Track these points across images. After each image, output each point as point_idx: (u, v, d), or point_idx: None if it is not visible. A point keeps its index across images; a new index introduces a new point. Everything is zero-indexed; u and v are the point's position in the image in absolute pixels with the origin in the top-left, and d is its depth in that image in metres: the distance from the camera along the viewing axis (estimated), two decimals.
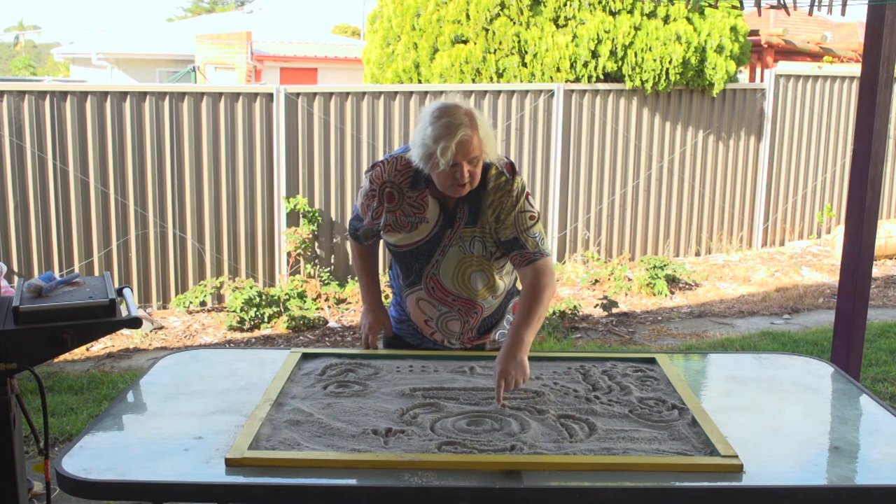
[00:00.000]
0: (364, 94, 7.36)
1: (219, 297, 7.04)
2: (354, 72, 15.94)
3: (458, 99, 2.55)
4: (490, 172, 2.59)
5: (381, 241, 2.87)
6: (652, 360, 2.73)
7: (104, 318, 2.47)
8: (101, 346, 6.03)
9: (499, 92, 7.80)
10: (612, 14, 8.11)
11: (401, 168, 2.64)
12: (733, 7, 8.34)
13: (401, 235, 2.67)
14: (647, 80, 8.19)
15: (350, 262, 7.51)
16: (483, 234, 2.62)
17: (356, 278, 7.36)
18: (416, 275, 2.71)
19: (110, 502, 2.99)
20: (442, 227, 2.63)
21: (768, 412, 2.41)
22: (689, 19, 8.39)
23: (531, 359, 2.73)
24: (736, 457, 2.03)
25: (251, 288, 6.66)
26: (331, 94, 7.25)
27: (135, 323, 2.52)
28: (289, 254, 7.18)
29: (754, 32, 11.33)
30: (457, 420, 2.24)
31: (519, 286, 2.86)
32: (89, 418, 4.54)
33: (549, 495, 1.95)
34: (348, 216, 7.48)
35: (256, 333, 6.42)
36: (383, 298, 3.05)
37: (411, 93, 7.52)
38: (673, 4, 7.99)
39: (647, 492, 1.95)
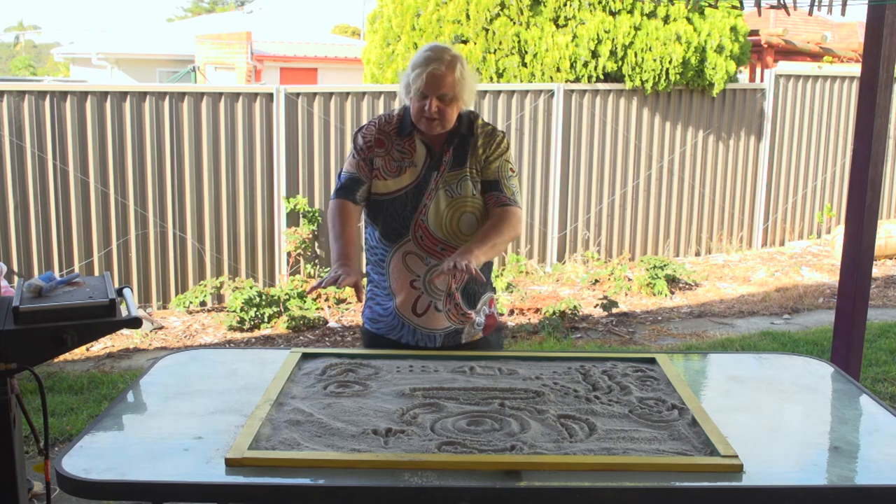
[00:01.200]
0: (364, 94, 7.36)
1: (219, 297, 7.05)
2: (354, 72, 15.93)
3: (452, 46, 2.68)
4: (478, 121, 2.78)
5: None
6: (652, 360, 2.73)
7: (104, 318, 2.47)
8: (101, 346, 6.03)
9: (499, 92, 7.80)
10: (612, 14, 8.11)
11: (388, 120, 2.81)
12: (733, 7, 8.35)
13: (389, 182, 2.74)
14: (647, 80, 8.19)
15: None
16: (471, 174, 2.74)
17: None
18: (404, 225, 2.73)
19: (110, 502, 2.99)
20: (429, 170, 2.72)
21: (768, 412, 2.41)
22: (689, 19, 8.39)
23: (531, 359, 2.74)
24: (736, 457, 2.03)
25: (251, 288, 6.66)
26: (331, 94, 7.26)
27: (135, 323, 2.52)
28: (289, 254, 7.19)
29: (754, 32, 11.33)
30: (457, 420, 2.24)
31: (496, 283, 2.90)
32: (89, 418, 4.54)
33: (549, 495, 1.95)
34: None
35: (256, 333, 6.42)
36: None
37: None
38: (673, 4, 7.99)
39: (647, 492, 1.95)
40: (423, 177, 2.72)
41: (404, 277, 2.78)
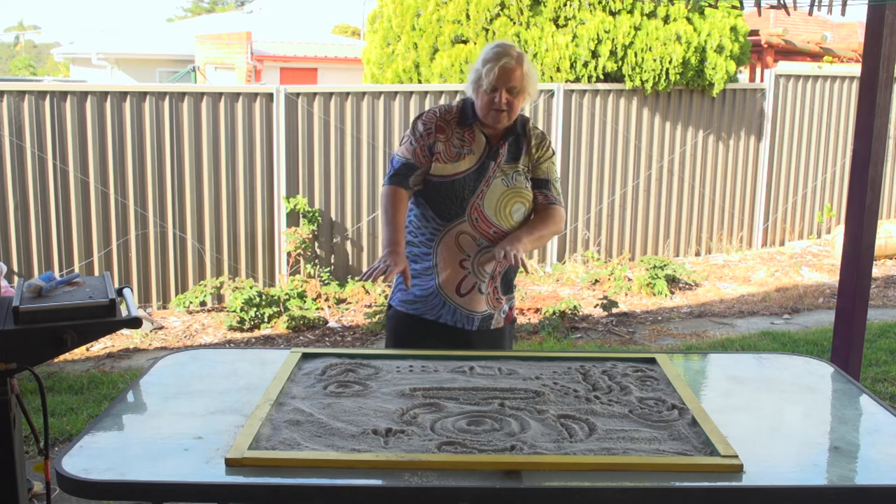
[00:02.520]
0: (364, 94, 7.36)
1: (219, 297, 7.05)
2: (354, 72, 15.94)
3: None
4: (529, 125, 2.98)
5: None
6: (652, 360, 2.73)
7: (104, 318, 2.47)
8: (101, 346, 6.03)
9: None
10: (612, 14, 8.11)
11: (447, 110, 2.96)
12: (733, 7, 8.34)
13: (449, 165, 2.88)
14: (647, 80, 8.19)
15: (350, 263, 7.52)
16: (524, 170, 2.94)
17: (355, 277, 7.36)
18: (461, 206, 2.86)
19: (110, 502, 2.99)
20: (487, 159, 2.88)
21: (768, 412, 2.41)
22: (689, 19, 8.39)
23: (531, 359, 2.74)
24: (736, 457, 2.03)
25: (251, 288, 6.66)
26: (331, 94, 7.26)
27: (135, 323, 2.52)
28: (289, 254, 7.19)
29: (754, 32, 11.33)
30: (457, 420, 2.24)
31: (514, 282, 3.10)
32: (89, 418, 4.54)
33: (549, 495, 1.95)
34: (348, 216, 7.52)
35: (256, 333, 6.42)
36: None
37: (411, 93, 7.52)
38: (673, 4, 7.99)
39: (647, 492, 1.95)
40: (483, 164, 2.88)
41: (454, 257, 2.88)
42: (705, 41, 8.34)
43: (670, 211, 8.85)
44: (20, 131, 6.35)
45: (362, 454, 2.03)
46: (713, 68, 8.45)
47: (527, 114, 7.87)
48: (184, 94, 6.83)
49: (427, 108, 7.51)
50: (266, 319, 6.53)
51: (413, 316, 2.95)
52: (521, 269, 2.82)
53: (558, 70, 8.06)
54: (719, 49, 8.48)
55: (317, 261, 7.34)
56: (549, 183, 2.98)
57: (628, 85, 8.25)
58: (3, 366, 2.39)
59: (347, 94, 7.32)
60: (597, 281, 7.80)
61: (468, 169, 2.87)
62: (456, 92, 7.64)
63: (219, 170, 6.97)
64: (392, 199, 2.89)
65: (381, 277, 2.75)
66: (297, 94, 7.13)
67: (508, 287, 3.00)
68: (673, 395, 2.43)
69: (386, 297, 7.05)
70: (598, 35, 7.97)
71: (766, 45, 12.43)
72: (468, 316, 2.91)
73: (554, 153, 3.03)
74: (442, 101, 7.59)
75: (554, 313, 6.60)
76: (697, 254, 9.08)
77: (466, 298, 2.90)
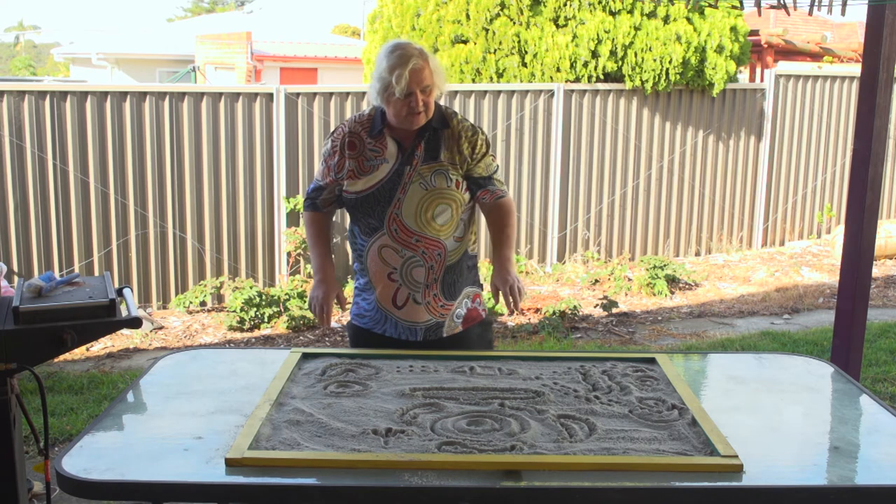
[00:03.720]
0: (364, 94, 7.36)
1: (219, 297, 7.05)
2: (354, 72, 15.94)
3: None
4: (457, 117, 2.88)
5: (334, 216, 3.05)
6: (652, 360, 2.73)
7: (104, 318, 2.47)
8: (101, 346, 6.03)
9: (499, 92, 7.80)
10: (612, 14, 8.11)
11: (359, 120, 2.88)
12: (733, 7, 8.34)
13: (362, 180, 2.81)
14: (647, 80, 8.19)
15: (350, 262, 7.52)
16: (447, 166, 2.81)
17: (352, 277, 7.39)
18: (378, 219, 2.80)
19: (110, 502, 2.99)
20: (401, 165, 2.79)
21: (768, 412, 2.41)
22: (689, 19, 8.39)
23: (531, 359, 2.74)
24: (736, 457, 2.03)
25: (251, 288, 6.66)
26: (331, 94, 7.26)
27: (135, 323, 2.52)
28: (289, 254, 7.19)
29: (754, 32, 11.33)
30: (457, 420, 2.24)
31: (476, 251, 3.02)
32: (89, 418, 4.54)
33: (549, 495, 1.95)
34: (348, 217, 7.49)
35: (256, 333, 6.42)
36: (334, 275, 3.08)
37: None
38: (673, 4, 7.99)
39: (647, 492, 1.95)
40: (396, 171, 2.79)
41: (382, 270, 2.84)
42: (705, 41, 8.34)
43: (670, 211, 8.85)
44: (20, 131, 6.35)
45: (362, 454, 2.03)
46: (713, 68, 8.45)
47: (526, 115, 7.91)
48: (184, 94, 6.83)
49: None
50: (266, 319, 6.53)
51: (365, 329, 2.94)
52: (511, 308, 2.77)
53: (558, 70, 8.06)
54: (719, 49, 8.48)
55: None
56: (490, 179, 2.88)
57: (628, 85, 8.25)
58: (3, 366, 2.39)
59: (347, 94, 7.32)
60: (597, 281, 7.80)
61: (381, 179, 2.79)
62: (456, 92, 7.64)
63: (219, 170, 6.97)
64: (309, 225, 3.03)
65: (326, 312, 2.91)
66: (297, 94, 7.13)
67: (452, 292, 2.86)
68: (673, 395, 2.43)
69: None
70: (598, 35, 7.97)
71: (766, 45, 12.43)
72: (410, 328, 2.85)
73: (489, 145, 2.90)
74: (441, 102, 7.59)
75: (554, 313, 6.60)
76: (697, 254, 9.08)
77: (404, 310, 2.84)
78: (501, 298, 2.77)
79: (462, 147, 2.82)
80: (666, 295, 7.45)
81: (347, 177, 2.83)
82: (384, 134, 2.82)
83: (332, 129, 7.19)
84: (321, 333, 6.43)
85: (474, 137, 2.86)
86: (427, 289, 2.82)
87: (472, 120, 7.66)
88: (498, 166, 2.94)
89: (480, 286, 3.02)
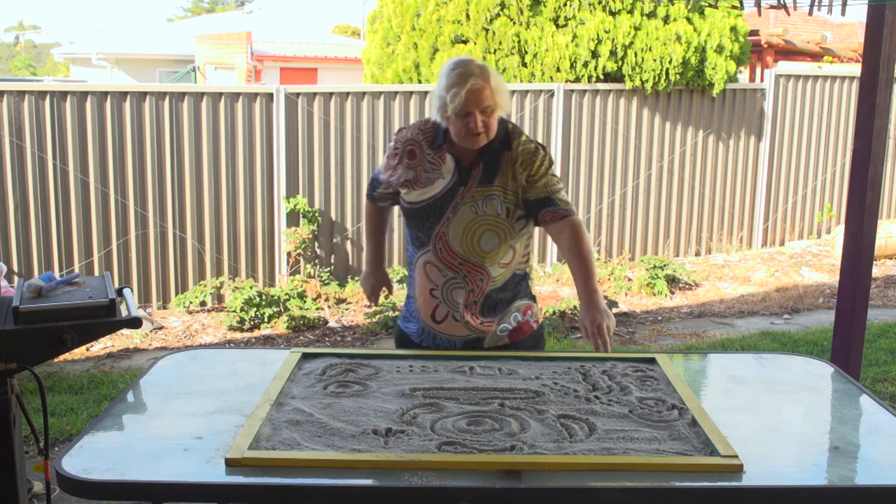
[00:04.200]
0: (364, 94, 7.36)
1: (219, 297, 7.05)
2: (354, 72, 15.93)
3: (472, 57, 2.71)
4: (521, 138, 2.73)
5: (395, 208, 3.00)
6: (652, 360, 2.73)
7: (104, 318, 2.47)
8: (101, 346, 6.03)
9: None
10: (612, 14, 8.11)
11: (423, 128, 2.79)
12: (733, 7, 8.34)
13: (417, 192, 2.76)
14: (647, 80, 8.19)
15: (350, 263, 7.52)
16: (502, 193, 2.69)
17: (356, 277, 7.36)
18: (426, 235, 2.75)
19: (110, 502, 2.99)
20: (455, 184, 2.71)
21: (768, 412, 2.41)
22: (689, 19, 8.39)
23: (531, 359, 2.73)
24: (736, 457, 2.03)
25: (251, 288, 6.66)
26: (331, 94, 7.26)
27: (135, 323, 2.52)
28: (289, 254, 7.19)
29: (754, 32, 11.33)
30: (457, 420, 2.24)
31: (528, 269, 2.91)
32: (89, 418, 4.54)
33: (549, 495, 1.95)
34: (349, 216, 7.52)
35: (256, 333, 6.42)
36: (386, 267, 3.19)
37: (411, 93, 7.52)
38: (673, 4, 7.99)
39: (647, 492, 1.95)
40: (450, 189, 2.71)
41: (425, 284, 2.81)
42: (705, 41, 8.34)
43: (670, 211, 8.84)
44: (20, 131, 6.35)
45: (362, 454, 2.03)
46: (713, 68, 8.45)
47: (526, 114, 7.90)
48: (184, 94, 6.83)
49: (425, 107, 7.52)
50: (266, 319, 6.53)
51: (406, 334, 2.94)
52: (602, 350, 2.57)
53: (558, 70, 8.06)
54: (719, 49, 8.48)
55: (317, 261, 7.34)
56: (550, 199, 2.69)
57: (628, 85, 8.25)
58: (3, 366, 2.39)
59: (347, 94, 7.32)
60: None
61: (435, 195, 2.72)
62: None
63: (219, 170, 6.97)
64: (367, 216, 3.09)
65: (374, 299, 3.16)
66: (297, 94, 7.13)
67: (494, 310, 2.80)
68: (673, 395, 2.43)
69: (386, 297, 7.04)
70: (598, 35, 7.97)
71: (766, 45, 12.43)
72: (448, 340, 2.82)
73: (551, 164, 2.74)
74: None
75: (554, 313, 6.60)
76: (697, 254, 9.08)
77: (443, 325, 2.81)
78: (591, 339, 2.62)
79: (518, 173, 2.69)
80: (666, 295, 7.45)
81: (403, 185, 2.78)
82: (444, 148, 2.74)
83: (332, 128, 7.21)
84: (321, 333, 6.43)
85: (532, 161, 2.70)
86: (466, 309, 2.77)
87: None
88: (561, 188, 2.74)
89: (533, 298, 2.92)
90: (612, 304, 6.94)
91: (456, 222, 2.70)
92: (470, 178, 2.70)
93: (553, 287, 7.72)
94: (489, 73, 2.61)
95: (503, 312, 2.82)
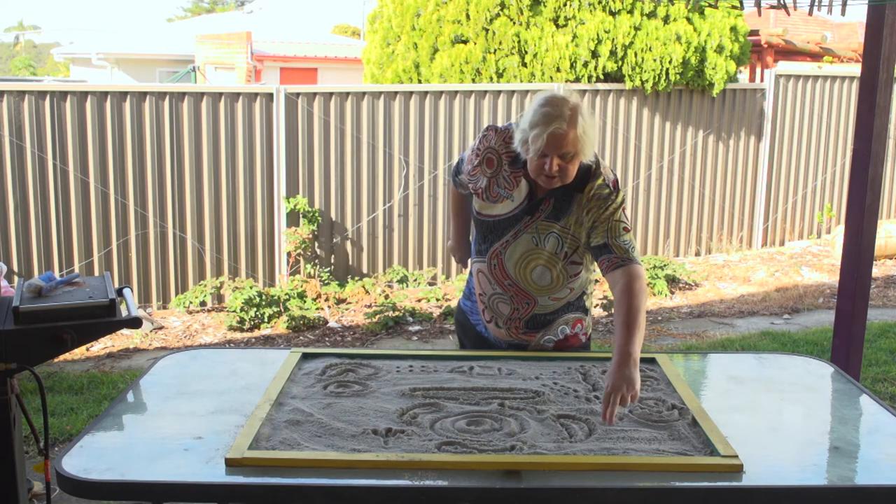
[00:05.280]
0: (364, 94, 7.36)
1: (219, 297, 7.05)
2: (354, 72, 15.94)
3: (570, 94, 2.52)
4: (596, 181, 2.59)
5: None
6: (652, 360, 2.73)
7: (104, 318, 2.47)
8: (101, 346, 6.03)
9: (499, 92, 7.80)
10: (612, 14, 8.11)
11: (506, 140, 2.67)
12: (733, 7, 8.34)
13: (485, 203, 2.73)
14: (647, 81, 8.19)
15: (350, 263, 7.53)
16: (563, 233, 2.62)
17: (356, 277, 7.34)
18: (486, 247, 2.75)
19: (110, 502, 2.99)
20: (522, 212, 2.65)
21: (768, 412, 2.41)
22: (689, 19, 8.39)
23: (531, 359, 2.73)
24: (736, 457, 2.03)
25: (251, 288, 6.66)
26: (331, 94, 7.25)
27: (135, 323, 2.52)
28: (289, 254, 7.19)
29: (754, 32, 11.33)
30: (457, 420, 2.24)
31: (588, 304, 2.84)
32: (89, 418, 4.54)
33: (549, 495, 1.95)
34: (348, 216, 7.52)
35: (256, 333, 6.42)
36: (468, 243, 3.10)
37: (411, 93, 7.52)
38: (673, 4, 7.99)
39: (647, 492, 1.95)
40: (516, 214, 2.66)
41: (476, 286, 2.84)
42: (705, 41, 8.34)
43: (670, 211, 8.85)
44: (20, 131, 6.35)
45: (362, 454, 2.03)
46: (713, 68, 8.45)
47: None
48: (184, 94, 6.83)
49: (425, 107, 7.51)
50: (266, 319, 6.53)
51: (464, 313, 2.98)
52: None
53: (558, 70, 8.05)
54: (719, 49, 8.48)
55: (317, 261, 7.34)
56: (608, 246, 2.55)
57: (628, 85, 8.25)
58: (3, 366, 2.39)
59: (347, 94, 7.32)
60: (597, 281, 7.77)
61: (501, 215, 2.68)
62: (456, 92, 7.63)
63: (219, 170, 6.97)
64: (453, 198, 3.05)
65: (468, 263, 2.97)
66: (297, 94, 7.13)
67: (539, 325, 2.76)
68: (673, 395, 2.43)
69: (386, 297, 7.05)
70: (598, 35, 7.97)
71: (766, 45, 12.43)
72: (495, 335, 2.85)
73: (618, 207, 2.58)
74: (442, 102, 7.59)
75: None
76: (697, 254, 9.08)
77: (489, 325, 2.84)
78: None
79: (583, 217, 2.59)
80: (666, 295, 7.45)
81: (475, 191, 2.75)
82: (522, 171, 2.63)
83: (332, 128, 7.21)
84: (321, 333, 6.43)
85: (600, 209, 2.57)
86: (510, 321, 2.77)
87: (471, 120, 7.69)
88: (624, 233, 2.58)
89: (586, 311, 2.83)
90: (613, 304, 6.93)
91: (514, 247, 2.67)
92: (539, 211, 2.63)
93: None
94: (577, 118, 2.47)
95: (549, 325, 2.79)
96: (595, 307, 7.02)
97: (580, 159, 2.53)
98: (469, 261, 2.93)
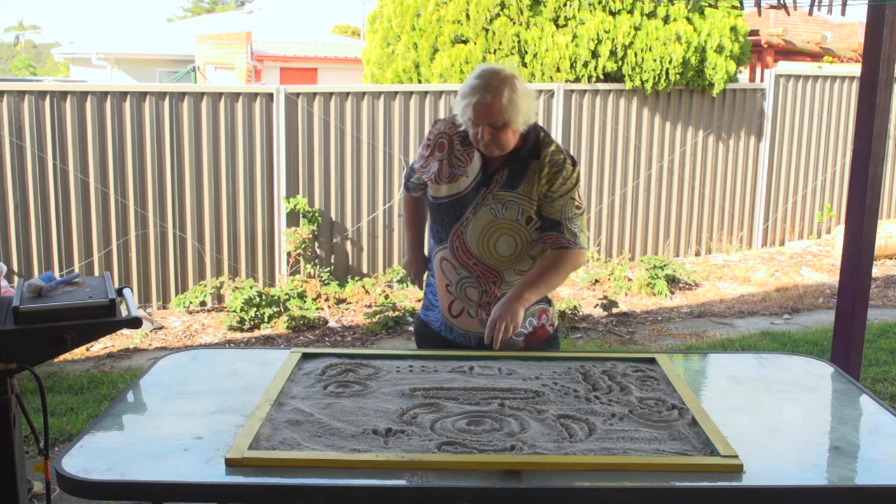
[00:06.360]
0: (364, 94, 7.36)
1: (219, 297, 7.05)
2: (354, 72, 15.94)
3: (505, 66, 2.63)
4: (549, 148, 2.69)
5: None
6: (652, 360, 2.73)
7: (104, 318, 2.47)
8: (101, 346, 6.03)
9: None
10: (612, 14, 8.11)
11: (458, 123, 2.75)
12: (733, 7, 8.35)
13: (441, 186, 2.76)
14: (647, 80, 8.19)
15: (350, 263, 7.53)
16: (520, 199, 2.67)
17: (355, 277, 7.35)
18: (445, 232, 2.77)
19: (110, 502, 2.99)
20: (478, 184, 2.71)
21: (768, 412, 2.41)
22: (689, 19, 8.39)
23: (531, 359, 2.73)
24: (736, 457, 2.03)
25: (251, 288, 6.66)
26: (331, 94, 7.26)
27: (135, 323, 2.52)
28: (289, 254, 7.19)
29: (754, 32, 11.33)
30: (457, 420, 2.24)
31: (550, 294, 2.86)
32: (89, 418, 4.54)
33: (549, 495, 1.95)
34: (348, 216, 7.52)
35: (256, 333, 6.42)
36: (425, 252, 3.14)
37: (411, 93, 7.52)
38: (673, 4, 7.99)
39: (647, 492, 1.95)
40: (473, 189, 2.71)
41: (441, 280, 2.85)
42: (705, 41, 8.34)
43: (670, 211, 8.85)
44: (20, 131, 6.35)
45: (362, 454, 2.03)
46: (713, 68, 8.45)
47: None
48: (184, 94, 6.83)
49: (425, 107, 7.52)
50: (266, 319, 6.53)
51: (426, 323, 2.97)
52: (512, 340, 2.64)
53: (558, 70, 8.06)
54: (719, 49, 8.48)
55: (317, 261, 7.34)
56: (560, 225, 2.66)
57: (628, 85, 8.25)
58: (3, 366, 2.39)
59: (347, 94, 7.32)
60: (597, 281, 7.80)
61: (458, 193, 2.73)
62: (456, 92, 7.62)
63: (219, 170, 6.97)
64: (404, 205, 3.12)
65: (418, 283, 3.06)
66: (297, 94, 7.13)
67: None
68: (673, 395, 2.43)
69: (386, 297, 7.05)
70: (598, 35, 7.97)
71: (766, 45, 12.43)
72: (464, 335, 2.86)
73: (575, 183, 2.68)
74: (442, 102, 7.59)
75: None
76: (697, 254, 9.08)
77: (459, 320, 2.84)
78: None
79: (541, 182, 2.66)
80: (666, 295, 7.45)
81: (430, 179, 2.78)
82: (473, 147, 2.71)
83: (332, 128, 7.21)
84: (321, 333, 6.43)
85: (555, 175, 2.65)
86: (480, 308, 2.78)
87: None
88: (577, 214, 2.69)
89: (549, 301, 2.89)
90: (613, 303, 6.94)
91: (474, 223, 2.71)
92: (493, 181, 2.69)
93: None
94: (504, 89, 2.54)
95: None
96: (595, 307, 7.02)
97: (513, 128, 2.60)
98: (434, 256, 2.88)
